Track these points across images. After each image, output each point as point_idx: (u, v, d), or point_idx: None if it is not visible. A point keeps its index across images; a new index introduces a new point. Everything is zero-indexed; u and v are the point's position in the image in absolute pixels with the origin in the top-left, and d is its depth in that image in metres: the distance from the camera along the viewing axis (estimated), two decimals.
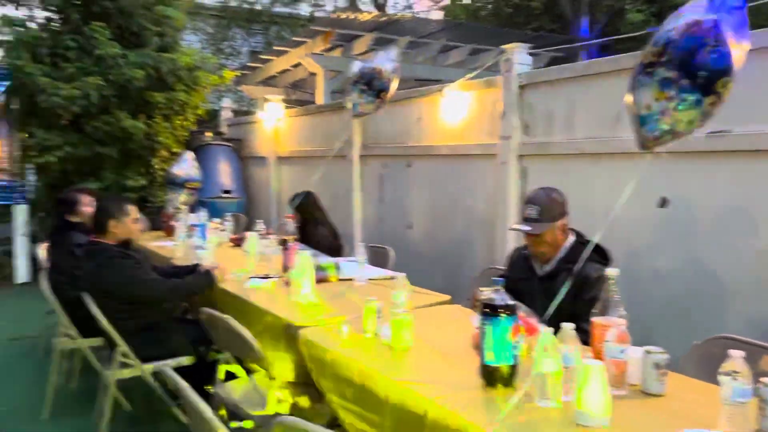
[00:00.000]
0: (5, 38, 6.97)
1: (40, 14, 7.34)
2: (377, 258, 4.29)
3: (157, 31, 7.47)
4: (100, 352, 3.52)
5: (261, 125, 8.32)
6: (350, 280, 3.36)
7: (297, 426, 1.51)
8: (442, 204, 5.28)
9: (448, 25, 10.11)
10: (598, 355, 1.87)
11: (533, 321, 2.15)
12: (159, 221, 5.89)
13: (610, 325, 1.86)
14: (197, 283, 3.36)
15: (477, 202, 4.91)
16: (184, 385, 1.90)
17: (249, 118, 9.26)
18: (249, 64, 10.67)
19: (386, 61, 3.78)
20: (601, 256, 2.65)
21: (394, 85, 3.70)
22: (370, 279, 3.35)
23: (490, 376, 1.86)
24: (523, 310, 2.23)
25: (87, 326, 3.43)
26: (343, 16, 8.29)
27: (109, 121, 6.99)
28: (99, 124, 6.96)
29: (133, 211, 3.40)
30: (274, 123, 7.97)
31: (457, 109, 5.00)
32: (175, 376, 1.95)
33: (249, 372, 3.06)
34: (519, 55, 4.45)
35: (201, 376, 3.12)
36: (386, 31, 8.19)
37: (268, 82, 10.35)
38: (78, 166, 7.12)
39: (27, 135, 7.06)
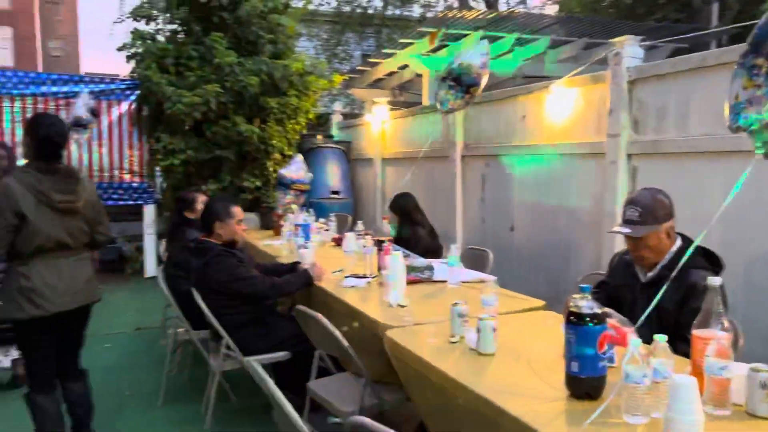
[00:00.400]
0: (137, 51, 7.58)
1: (167, 27, 7.93)
2: (476, 260, 4.22)
3: (270, 38, 7.81)
4: (209, 344, 3.74)
5: (368, 127, 8.47)
6: (443, 282, 3.33)
7: (367, 428, 1.51)
8: (546, 205, 5.10)
9: (560, 19, 9.76)
10: (697, 370, 1.72)
11: (627, 330, 2.01)
12: (270, 221, 6.16)
13: (711, 339, 1.71)
14: (295, 281, 3.47)
15: (583, 204, 4.70)
16: (268, 380, 1.96)
17: (357, 121, 9.46)
18: (359, 67, 10.88)
19: (475, 55, 3.69)
20: (712, 262, 2.44)
21: (484, 80, 3.60)
22: (463, 282, 3.30)
23: (575, 387, 1.77)
24: (616, 319, 2.10)
25: (199, 318, 3.64)
26: (451, 15, 8.22)
27: (227, 125, 7.40)
28: (217, 128, 7.39)
29: (237, 213, 3.57)
30: (380, 125, 8.08)
31: (563, 107, 4.81)
32: (260, 371, 2.02)
33: (341, 369, 3.12)
34: (629, 48, 4.20)
35: (298, 371, 3.24)
36: (494, 28, 8.04)
37: (377, 84, 10.50)
38: (199, 169, 7.60)
39: (155, 140, 7.63)
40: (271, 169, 7.90)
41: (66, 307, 2.86)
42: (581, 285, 1.82)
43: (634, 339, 1.66)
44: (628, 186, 4.22)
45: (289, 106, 7.69)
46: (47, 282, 2.80)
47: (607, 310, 1.92)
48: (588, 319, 1.74)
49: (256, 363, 2.06)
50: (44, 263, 2.81)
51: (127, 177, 7.90)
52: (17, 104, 7.35)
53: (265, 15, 7.77)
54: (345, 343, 2.61)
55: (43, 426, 2.94)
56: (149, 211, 7.98)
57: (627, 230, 2.46)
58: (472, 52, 3.72)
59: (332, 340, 2.67)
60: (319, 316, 2.71)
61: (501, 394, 1.79)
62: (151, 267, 7.92)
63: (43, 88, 7.49)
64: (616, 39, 4.28)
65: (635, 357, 1.60)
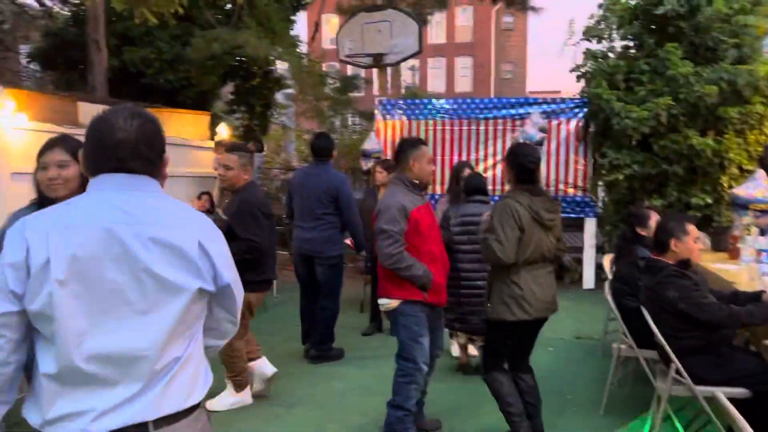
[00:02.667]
0: (587, 70, 7.87)
1: (618, 44, 8.01)
2: None
3: (734, 42, 7.12)
4: (655, 365, 3.65)
5: None
6: None
7: None
8: None
9: None
10: None
11: None
12: (723, 242, 5.64)
13: None
14: (759, 313, 3.11)
15: None
16: (740, 419, 1.84)
17: None
18: None
19: None
20: None
21: None
22: None
23: None
24: None
25: (643, 337, 3.61)
26: None
27: (677, 139, 7.05)
28: (666, 142, 7.11)
29: (693, 230, 3.40)
30: None
31: None
32: (729, 406, 1.91)
33: None
34: None
35: (759, 412, 2.90)
36: None
37: None
38: (643, 184, 7.44)
39: (600, 155, 7.79)
40: (725, 185, 7.19)
41: (542, 314, 3.24)
42: None
43: None
44: None
45: (753, 115, 6.87)
46: (532, 290, 3.21)
47: None
48: None
49: (723, 397, 1.95)
50: (530, 273, 3.22)
51: (570, 191, 8.26)
52: (481, 127, 8.47)
53: (728, 18, 7.12)
54: None
55: (501, 396, 3.37)
56: (590, 225, 8.18)
57: None
58: None
59: None
60: None
61: None
62: (589, 279, 8.11)
63: (503, 111, 8.45)
64: None
65: None
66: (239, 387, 4.15)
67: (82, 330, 1.43)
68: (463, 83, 38.91)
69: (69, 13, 11.79)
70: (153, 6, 6.12)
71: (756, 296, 3.38)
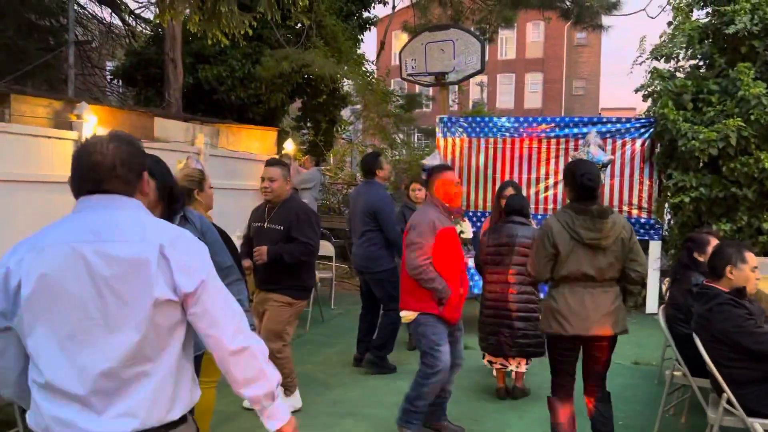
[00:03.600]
0: (654, 89, 7.70)
1: (686, 64, 7.79)
2: None
3: None
4: (709, 394, 3.56)
5: None
6: None
7: None
8: None
9: None
10: None
11: None
12: None
13: None
14: None
15: None
16: None
17: None
18: None
19: None
20: None
21: None
22: None
23: None
24: None
25: (697, 364, 3.52)
26: None
27: (748, 161, 6.79)
28: (736, 165, 6.86)
29: (752, 259, 3.31)
30: None
31: None
32: None
33: None
34: None
35: None
36: None
37: None
38: (710, 207, 7.19)
39: (666, 177, 7.57)
40: None
41: (583, 332, 3.23)
42: None
43: None
44: None
45: None
46: (570, 306, 3.24)
47: None
48: None
49: (759, 428, 1.92)
50: (570, 290, 3.26)
51: (635, 212, 8.06)
52: (543, 145, 8.40)
53: None
54: None
55: (552, 421, 3.43)
56: (654, 248, 7.95)
57: None
58: None
59: None
60: None
61: None
62: (652, 303, 7.87)
63: (566, 130, 8.36)
64: None
65: None
66: (288, 390, 4.30)
67: (48, 345, 1.54)
68: (533, 99, 38.45)
69: (150, 33, 12.49)
70: (224, 27, 6.44)
71: None
